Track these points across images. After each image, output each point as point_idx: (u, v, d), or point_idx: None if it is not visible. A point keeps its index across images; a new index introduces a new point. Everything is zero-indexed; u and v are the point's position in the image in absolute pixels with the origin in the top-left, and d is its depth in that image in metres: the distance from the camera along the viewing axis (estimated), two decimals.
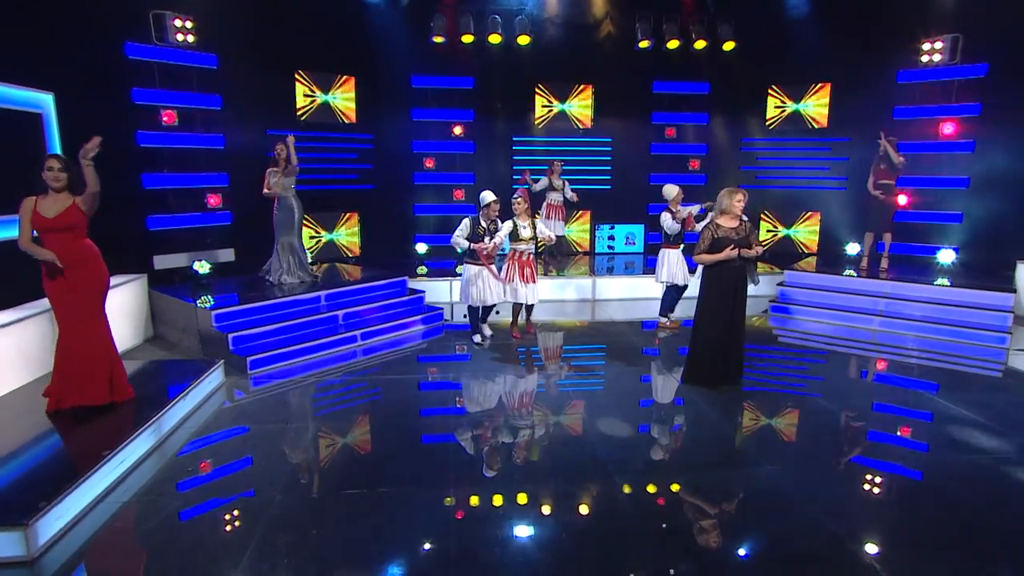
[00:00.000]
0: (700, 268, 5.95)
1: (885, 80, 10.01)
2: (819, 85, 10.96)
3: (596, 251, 11.61)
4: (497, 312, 7.36)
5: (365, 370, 6.37)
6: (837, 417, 5.31)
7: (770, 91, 11.27)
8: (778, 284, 8.93)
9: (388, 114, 10.64)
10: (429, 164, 11.01)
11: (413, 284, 8.59)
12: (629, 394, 5.84)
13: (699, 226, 7.27)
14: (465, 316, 7.26)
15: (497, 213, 6.82)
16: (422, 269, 9.62)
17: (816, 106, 11.05)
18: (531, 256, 7.06)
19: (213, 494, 4.04)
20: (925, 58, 9.66)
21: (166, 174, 8.09)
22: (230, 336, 6.27)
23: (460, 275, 7.18)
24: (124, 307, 6.84)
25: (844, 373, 6.63)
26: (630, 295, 9.48)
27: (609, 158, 11.53)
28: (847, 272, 8.78)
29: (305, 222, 9.96)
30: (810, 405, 5.58)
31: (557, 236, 10.37)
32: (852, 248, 9.51)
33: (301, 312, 7.08)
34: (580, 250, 11.72)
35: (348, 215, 10.69)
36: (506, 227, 6.83)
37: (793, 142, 11.25)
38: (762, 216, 11.50)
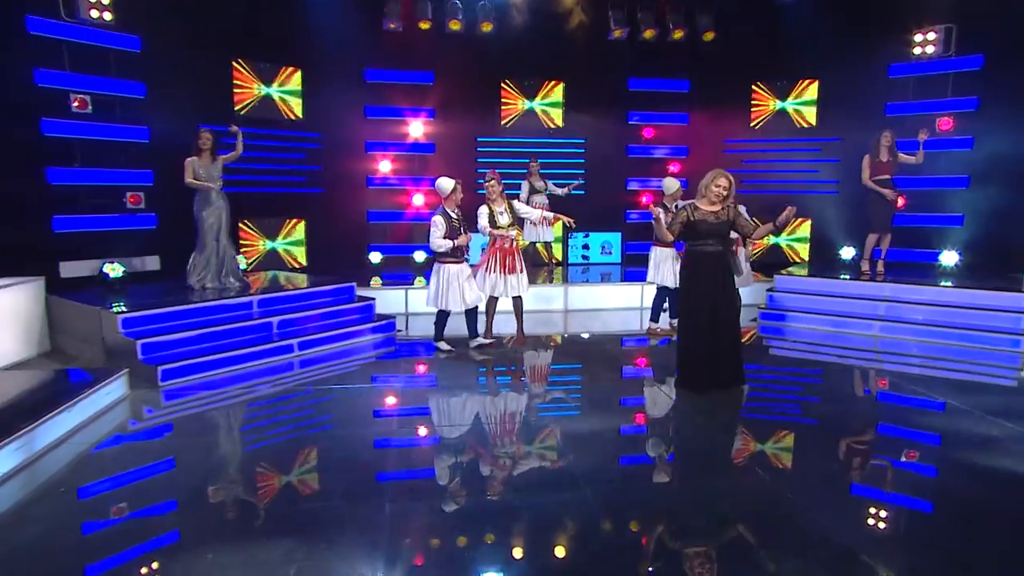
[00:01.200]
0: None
1: (876, 74, 9.91)
2: (806, 81, 10.88)
3: (569, 261, 11.23)
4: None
5: (300, 382, 5.87)
6: (841, 425, 4.96)
7: (754, 88, 11.16)
8: (768, 290, 8.64)
9: (339, 110, 10.22)
10: (385, 166, 10.62)
11: (363, 292, 8.10)
12: (609, 402, 5.45)
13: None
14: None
15: (461, 194, 6.53)
16: (376, 280, 9.16)
17: (804, 104, 10.96)
18: (513, 243, 6.73)
19: (92, 518, 3.51)
20: (918, 50, 9.60)
21: (77, 169, 7.57)
22: (139, 343, 5.72)
23: (428, 278, 6.75)
24: (12, 314, 6.25)
25: (844, 380, 6.32)
26: (609, 305, 9.15)
27: (582, 160, 11.24)
28: (842, 276, 8.54)
29: (245, 229, 9.53)
30: (812, 410, 5.31)
31: (545, 242, 10.11)
32: (847, 252, 9.30)
33: (228, 318, 6.55)
34: (552, 261, 11.34)
35: (293, 222, 10.20)
36: (483, 215, 6.55)
37: (780, 143, 11.10)
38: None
